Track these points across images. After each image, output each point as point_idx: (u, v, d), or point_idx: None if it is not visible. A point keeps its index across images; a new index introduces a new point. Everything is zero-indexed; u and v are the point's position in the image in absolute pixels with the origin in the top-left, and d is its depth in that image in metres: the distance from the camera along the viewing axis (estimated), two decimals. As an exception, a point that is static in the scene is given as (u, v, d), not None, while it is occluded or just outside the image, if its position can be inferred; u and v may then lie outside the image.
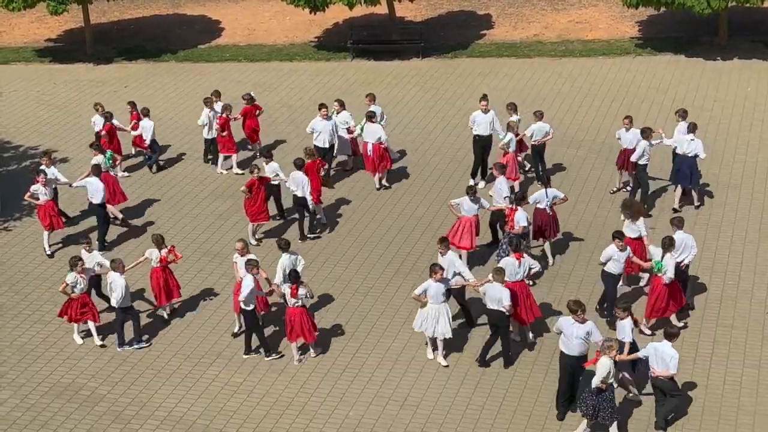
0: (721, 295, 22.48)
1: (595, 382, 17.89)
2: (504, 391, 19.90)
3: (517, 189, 25.18)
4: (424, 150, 29.72)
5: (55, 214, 24.92)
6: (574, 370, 18.81)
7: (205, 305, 22.96)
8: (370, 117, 27.30)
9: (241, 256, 21.33)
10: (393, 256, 24.52)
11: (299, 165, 25.04)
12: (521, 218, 22.57)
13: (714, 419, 19.00)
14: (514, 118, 26.82)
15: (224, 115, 28.28)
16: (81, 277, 21.32)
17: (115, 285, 21.09)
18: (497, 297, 19.95)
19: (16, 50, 39.13)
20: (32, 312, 22.97)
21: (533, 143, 26.78)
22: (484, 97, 27.06)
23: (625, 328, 18.93)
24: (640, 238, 21.99)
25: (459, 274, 20.79)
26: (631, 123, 25.99)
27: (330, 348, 21.38)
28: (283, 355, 21.13)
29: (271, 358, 21.03)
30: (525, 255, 21.05)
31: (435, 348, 20.73)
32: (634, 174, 25.52)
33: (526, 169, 27.43)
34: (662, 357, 18.38)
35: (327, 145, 27.37)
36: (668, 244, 20.72)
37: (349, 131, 27.84)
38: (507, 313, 20.06)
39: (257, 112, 29.12)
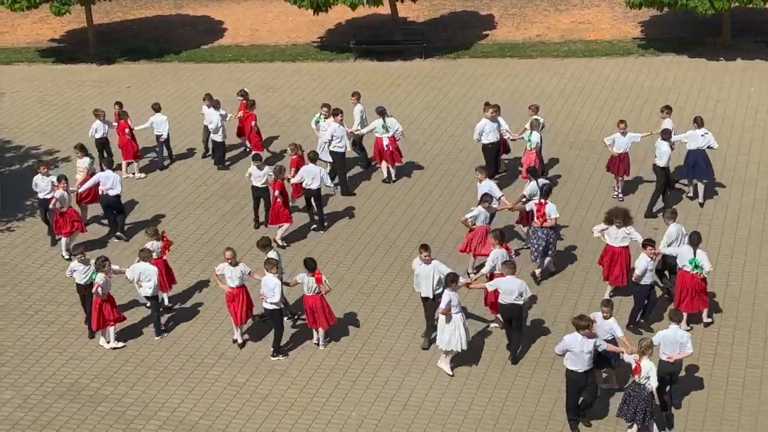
0: (724, 295, 22.46)
1: (654, 384, 17.87)
2: (506, 392, 19.89)
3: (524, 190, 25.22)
4: (426, 150, 29.73)
5: (78, 219, 24.84)
6: (584, 385, 18.68)
7: (208, 305, 22.97)
8: (382, 113, 27.44)
9: (232, 266, 21.15)
10: (396, 256, 24.51)
11: (312, 158, 25.38)
12: (552, 210, 22.77)
13: (717, 420, 18.99)
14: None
15: (252, 113, 28.55)
16: (108, 277, 21.28)
17: (149, 274, 21.40)
18: (513, 289, 20.12)
19: (19, 50, 39.17)
20: (35, 312, 22.98)
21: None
22: (490, 105, 26.93)
23: (612, 327, 18.99)
24: (626, 246, 21.80)
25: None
26: (627, 127, 25.99)
27: (332, 348, 21.39)
28: (287, 356, 21.19)
29: (277, 358, 21.05)
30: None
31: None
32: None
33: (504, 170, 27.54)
34: (677, 341, 18.57)
35: (349, 149, 27.44)
36: (697, 241, 20.92)
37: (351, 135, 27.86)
38: (522, 303, 20.34)
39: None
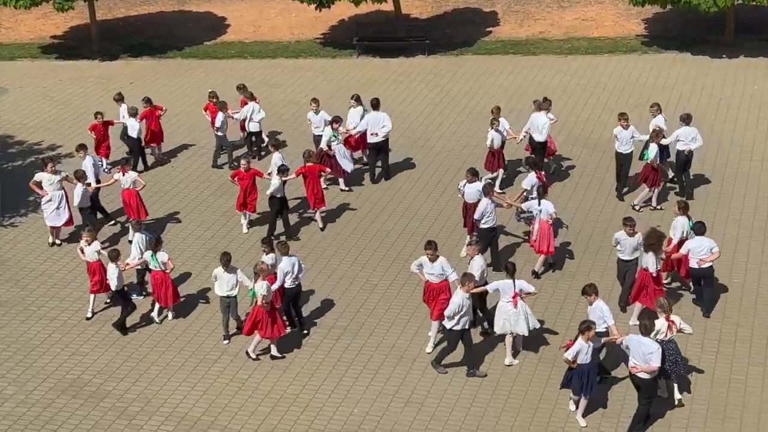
0: (726, 293, 22.44)
1: (690, 330, 19.22)
2: (509, 388, 19.89)
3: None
4: (429, 147, 29.71)
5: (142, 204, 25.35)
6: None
7: (210, 302, 22.94)
8: (357, 101, 27.75)
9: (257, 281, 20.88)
10: (398, 254, 24.50)
11: (276, 144, 26.27)
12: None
13: (719, 418, 18.98)
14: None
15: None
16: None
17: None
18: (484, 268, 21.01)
19: (22, 46, 39.19)
20: (37, 308, 23.00)
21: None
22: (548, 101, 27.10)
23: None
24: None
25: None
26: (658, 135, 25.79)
27: (334, 345, 21.40)
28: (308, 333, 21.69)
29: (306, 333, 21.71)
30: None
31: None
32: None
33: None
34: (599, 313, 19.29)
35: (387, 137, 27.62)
36: (684, 206, 21.92)
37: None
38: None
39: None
